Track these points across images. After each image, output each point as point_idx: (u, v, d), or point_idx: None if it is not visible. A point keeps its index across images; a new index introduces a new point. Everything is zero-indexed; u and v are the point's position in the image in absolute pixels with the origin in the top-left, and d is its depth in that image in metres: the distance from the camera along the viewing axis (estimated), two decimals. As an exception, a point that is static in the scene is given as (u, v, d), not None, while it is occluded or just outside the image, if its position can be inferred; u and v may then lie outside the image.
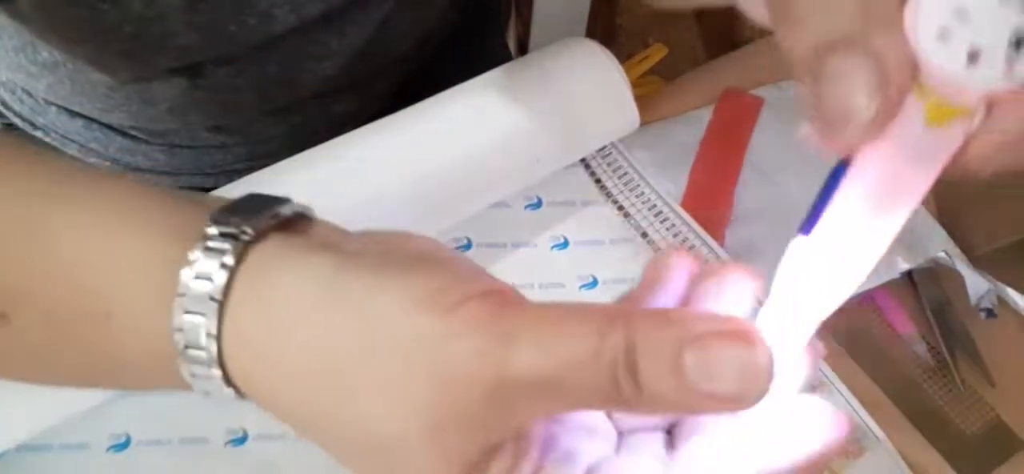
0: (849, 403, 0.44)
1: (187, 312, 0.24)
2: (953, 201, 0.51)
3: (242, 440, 0.41)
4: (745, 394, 0.21)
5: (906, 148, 0.21)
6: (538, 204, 0.51)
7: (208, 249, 0.24)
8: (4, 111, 0.56)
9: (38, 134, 0.56)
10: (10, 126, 0.57)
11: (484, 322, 0.22)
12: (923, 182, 0.22)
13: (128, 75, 0.45)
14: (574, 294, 0.48)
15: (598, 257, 0.49)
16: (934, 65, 0.20)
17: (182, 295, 0.24)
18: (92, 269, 0.26)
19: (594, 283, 0.48)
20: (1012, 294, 0.48)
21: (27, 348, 0.27)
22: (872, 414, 0.43)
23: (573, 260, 0.49)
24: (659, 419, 0.27)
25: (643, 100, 0.52)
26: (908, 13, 0.20)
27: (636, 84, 0.53)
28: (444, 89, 0.50)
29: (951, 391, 0.45)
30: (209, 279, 0.24)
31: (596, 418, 0.26)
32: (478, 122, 0.48)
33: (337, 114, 0.56)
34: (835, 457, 0.24)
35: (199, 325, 0.24)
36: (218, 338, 0.24)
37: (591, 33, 0.68)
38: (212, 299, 0.24)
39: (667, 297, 0.26)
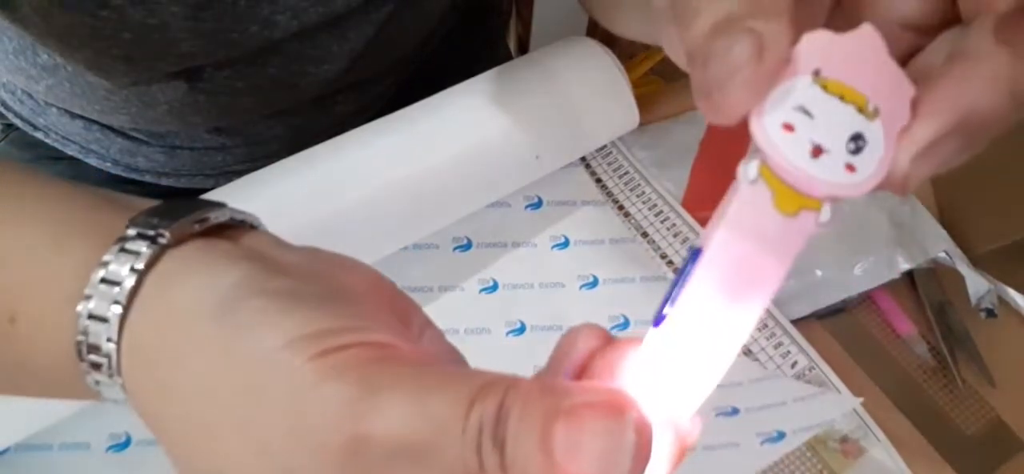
0: (844, 395, 0.44)
1: (91, 315, 0.23)
2: (953, 201, 0.51)
3: (242, 440, 0.41)
4: (612, 472, 0.19)
5: (756, 235, 0.21)
6: (538, 204, 0.51)
7: (123, 251, 0.23)
8: (5, 112, 0.56)
9: (38, 135, 0.56)
10: (11, 127, 0.57)
11: (353, 370, 0.20)
12: (776, 270, 0.22)
13: (127, 79, 0.45)
14: (574, 294, 0.48)
15: (598, 257, 0.49)
16: (777, 150, 0.21)
17: (88, 297, 0.23)
18: (6, 273, 0.25)
19: (594, 283, 0.48)
20: (1012, 294, 0.48)
21: None
22: (872, 414, 0.43)
23: (573, 259, 0.49)
24: None
25: (643, 100, 0.52)
26: (756, 110, 0.21)
27: (636, 84, 0.53)
28: (444, 89, 0.50)
29: (951, 391, 0.45)
30: (117, 283, 0.23)
31: None
32: (478, 121, 0.48)
33: (337, 115, 0.56)
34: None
35: (101, 331, 0.23)
36: (118, 345, 0.23)
37: (592, 33, 0.68)
38: (116, 302, 0.23)
39: (570, 370, 0.23)
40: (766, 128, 0.21)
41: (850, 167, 0.21)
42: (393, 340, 0.22)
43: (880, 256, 0.48)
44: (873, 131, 0.21)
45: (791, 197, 0.21)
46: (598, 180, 0.53)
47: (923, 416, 0.44)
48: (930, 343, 0.47)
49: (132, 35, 0.41)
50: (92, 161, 0.56)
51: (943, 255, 0.49)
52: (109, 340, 0.23)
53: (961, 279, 0.48)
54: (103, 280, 0.23)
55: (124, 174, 0.57)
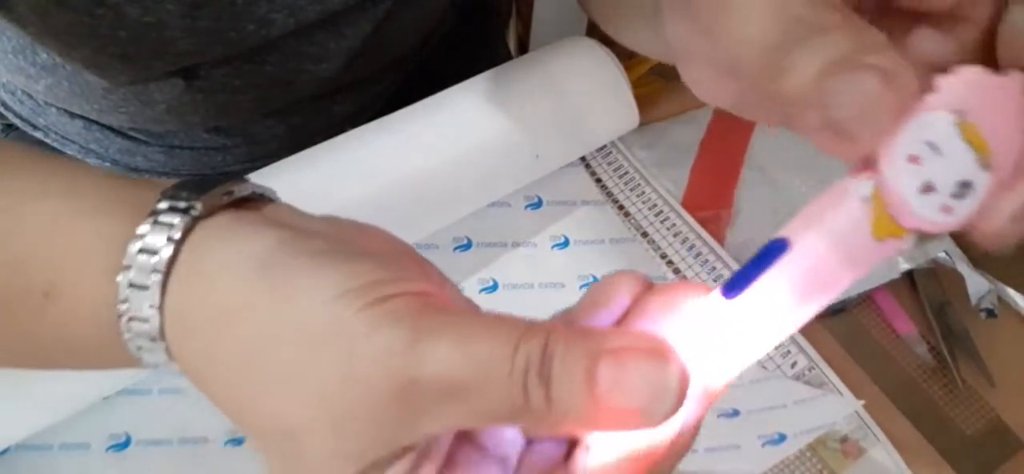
0: (846, 398, 0.44)
1: (132, 285, 0.24)
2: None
3: (242, 440, 0.41)
4: (653, 411, 0.21)
5: (845, 249, 0.22)
6: (539, 203, 0.51)
7: (156, 223, 0.24)
8: (4, 112, 0.56)
9: (38, 135, 0.56)
10: (10, 127, 0.57)
11: (403, 319, 0.22)
12: (846, 282, 0.22)
13: (125, 78, 0.45)
14: (575, 294, 0.47)
15: (598, 256, 0.49)
16: (897, 183, 0.21)
17: (127, 268, 0.24)
18: (30, 247, 0.26)
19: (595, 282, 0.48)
20: (1012, 294, 0.48)
21: None
22: (872, 414, 0.43)
23: (573, 259, 0.49)
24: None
25: (643, 100, 0.52)
26: (892, 135, 0.22)
27: (636, 84, 0.53)
28: (444, 89, 0.50)
29: (951, 391, 0.45)
30: (154, 252, 0.24)
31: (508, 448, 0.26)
32: (478, 120, 0.48)
33: (336, 115, 0.56)
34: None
35: (143, 297, 0.24)
36: (161, 310, 0.24)
37: (591, 33, 0.68)
38: (156, 271, 0.24)
39: (606, 317, 0.25)
40: (895, 157, 0.21)
41: (946, 209, 0.22)
42: (433, 289, 0.23)
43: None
44: (981, 181, 0.22)
45: (888, 225, 0.22)
46: (598, 180, 0.53)
47: (923, 416, 0.44)
48: (930, 343, 0.47)
49: (129, 33, 0.41)
50: (91, 161, 0.56)
51: (943, 255, 0.49)
52: (151, 306, 0.24)
53: (961, 279, 0.48)
54: (141, 250, 0.24)
55: (123, 174, 0.57)
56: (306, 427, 0.22)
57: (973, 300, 0.48)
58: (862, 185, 0.22)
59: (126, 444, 0.41)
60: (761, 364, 0.45)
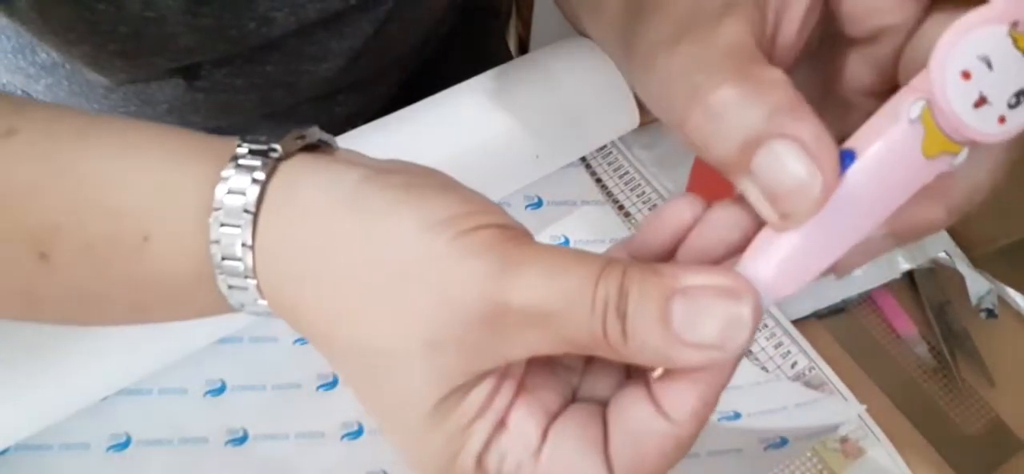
0: (845, 398, 0.44)
1: (223, 225, 0.25)
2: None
3: (242, 440, 0.41)
4: (727, 345, 0.22)
5: (896, 166, 0.23)
6: (539, 203, 0.51)
7: (240, 166, 0.25)
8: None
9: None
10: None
11: (492, 248, 0.23)
12: (900, 198, 0.23)
13: (125, 76, 0.45)
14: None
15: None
16: (948, 99, 0.22)
17: (217, 209, 0.25)
18: (127, 196, 0.27)
19: (594, 283, 0.48)
20: (1012, 294, 0.48)
21: (71, 286, 0.28)
22: (872, 414, 0.43)
23: (573, 260, 0.49)
24: None
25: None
26: (941, 46, 0.22)
27: (636, 84, 0.53)
28: (444, 89, 0.50)
29: (951, 391, 0.45)
30: (242, 193, 0.25)
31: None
32: (478, 120, 0.48)
33: (337, 116, 0.56)
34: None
35: (235, 237, 0.25)
36: (252, 249, 0.25)
37: (591, 33, 0.68)
38: (246, 211, 0.25)
39: (666, 242, 0.26)
40: (946, 74, 0.22)
41: (1002, 119, 0.22)
42: (511, 223, 0.25)
43: (880, 256, 0.48)
44: None
45: (939, 141, 0.22)
46: (598, 180, 0.53)
47: (923, 416, 0.44)
48: (930, 343, 0.47)
49: (129, 29, 0.41)
50: (92, 161, 0.56)
51: (943, 255, 0.49)
52: (244, 245, 0.25)
53: (961, 279, 0.48)
54: (229, 191, 0.25)
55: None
56: (399, 348, 0.23)
57: (973, 300, 0.48)
58: (913, 107, 0.22)
59: (126, 444, 0.41)
60: (762, 365, 0.45)
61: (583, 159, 0.53)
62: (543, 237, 0.50)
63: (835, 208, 0.23)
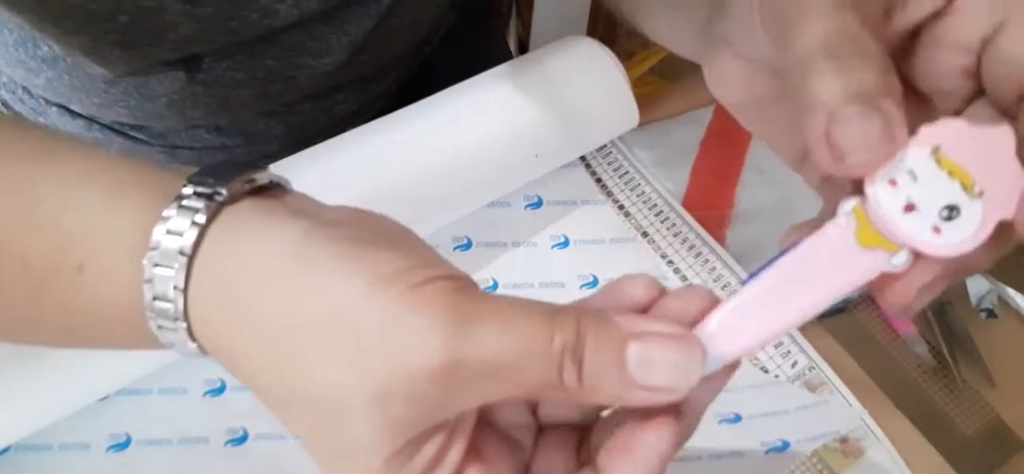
0: (849, 403, 0.44)
1: (157, 265, 0.25)
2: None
3: (242, 440, 0.41)
4: (677, 388, 0.24)
5: (834, 253, 0.26)
6: (538, 203, 0.51)
7: (182, 207, 0.25)
8: (4, 111, 0.56)
9: (38, 134, 0.56)
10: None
11: (444, 302, 0.23)
12: (838, 285, 0.26)
13: (125, 67, 0.45)
14: (575, 293, 0.47)
15: (599, 256, 0.49)
16: (876, 198, 0.25)
17: (153, 249, 0.25)
18: (69, 223, 0.26)
19: (595, 282, 0.48)
20: (1012, 294, 0.48)
21: (9, 303, 0.28)
22: (872, 414, 0.43)
23: (573, 259, 0.49)
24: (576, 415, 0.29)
25: (643, 100, 0.52)
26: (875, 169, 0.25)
27: (636, 84, 0.53)
28: (444, 89, 0.50)
29: (951, 391, 0.45)
30: (180, 235, 0.25)
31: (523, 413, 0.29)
32: (478, 119, 0.48)
33: (337, 114, 0.56)
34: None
35: (168, 278, 0.25)
36: (185, 292, 0.25)
37: (591, 33, 0.68)
38: (181, 253, 0.25)
39: (623, 306, 0.27)
40: (876, 180, 0.25)
41: (936, 229, 0.25)
42: (459, 275, 0.25)
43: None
44: (972, 208, 0.25)
45: (871, 235, 0.25)
46: (598, 179, 0.53)
47: (923, 416, 0.44)
48: (930, 343, 0.47)
49: (128, 18, 0.41)
50: (92, 161, 0.56)
51: (943, 255, 0.49)
52: (176, 287, 0.25)
53: (961, 279, 0.48)
54: (167, 232, 0.25)
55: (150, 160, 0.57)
56: (347, 400, 0.23)
57: (973, 300, 0.48)
58: (847, 202, 0.26)
59: (126, 444, 0.41)
60: (762, 367, 0.45)
61: (583, 159, 0.53)
62: (543, 236, 0.50)
63: (774, 288, 0.26)
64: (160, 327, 0.25)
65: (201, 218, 0.25)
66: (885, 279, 0.26)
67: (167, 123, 0.52)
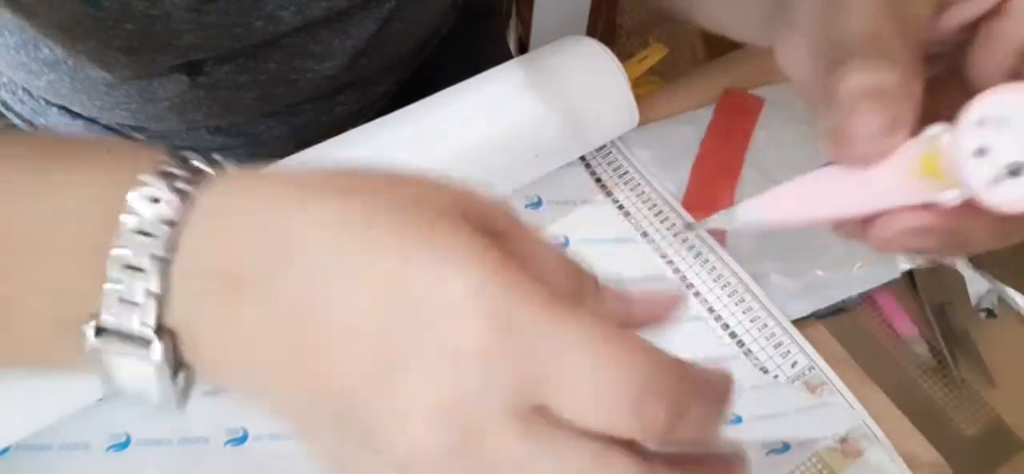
0: (849, 403, 0.44)
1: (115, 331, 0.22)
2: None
3: (242, 440, 0.41)
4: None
5: (894, 165, 0.26)
6: (538, 203, 0.51)
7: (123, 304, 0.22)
8: (5, 112, 0.56)
9: (38, 134, 0.56)
10: (11, 127, 0.57)
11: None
12: (881, 197, 0.27)
13: (130, 72, 0.45)
14: (574, 294, 0.48)
15: (598, 256, 0.49)
16: (955, 134, 0.25)
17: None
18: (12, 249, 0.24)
19: (594, 283, 0.48)
20: (1012, 294, 0.48)
21: None
22: (872, 414, 0.43)
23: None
24: None
25: (643, 100, 0.52)
26: (984, 92, 0.25)
27: (636, 84, 0.53)
28: (444, 89, 0.50)
29: (951, 391, 0.45)
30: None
31: None
32: (478, 120, 0.48)
33: (338, 115, 0.56)
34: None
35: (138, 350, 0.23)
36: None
37: (591, 33, 0.68)
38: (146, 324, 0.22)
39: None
40: (969, 114, 0.25)
41: (996, 181, 0.24)
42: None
43: (880, 256, 0.48)
44: None
45: (934, 164, 0.26)
46: (598, 179, 0.53)
47: (923, 416, 0.44)
48: (930, 343, 0.47)
49: (135, 26, 0.41)
50: (92, 161, 0.56)
51: (943, 255, 0.49)
52: (144, 324, 0.22)
53: (961, 279, 0.48)
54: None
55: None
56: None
57: (973, 300, 0.48)
58: (933, 127, 0.26)
59: (126, 444, 0.41)
60: (761, 367, 0.45)
61: (583, 159, 0.53)
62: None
63: (833, 176, 0.27)
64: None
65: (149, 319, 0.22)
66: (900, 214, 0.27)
67: (168, 125, 0.52)
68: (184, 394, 0.24)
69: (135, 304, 0.22)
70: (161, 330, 0.22)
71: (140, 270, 0.22)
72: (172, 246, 0.22)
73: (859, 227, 0.28)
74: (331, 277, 0.22)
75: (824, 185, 0.28)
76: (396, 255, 0.21)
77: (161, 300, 0.22)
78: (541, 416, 0.21)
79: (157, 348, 0.22)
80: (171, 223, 0.22)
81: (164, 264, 0.22)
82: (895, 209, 0.27)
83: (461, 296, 0.21)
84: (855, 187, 0.27)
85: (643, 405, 0.21)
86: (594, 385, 0.21)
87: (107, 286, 0.22)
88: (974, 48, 0.28)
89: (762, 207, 0.28)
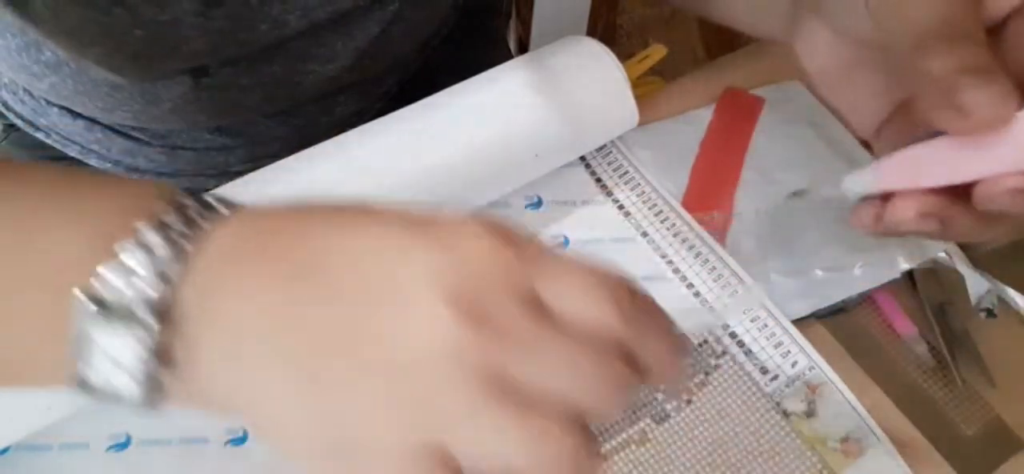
0: (849, 403, 0.44)
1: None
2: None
3: (242, 440, 0.41)
4: None
5: (1014, 133, 0.28)
6: (538, 203, 0.51)
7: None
8: (5, 112, 0.56)
9: (40, 136, 0.56)
10: (11, 127, 0.57)
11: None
12: (996, 162, 0.29)
13: (136, 77, 0.45)
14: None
15: (598, 256, 0.49)
16: None
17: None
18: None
19: (594, 283, 0.48)
20: (1012, 294, 0.48)
21: None
22: (872, 414, 0.43)
23: (573, 260, 0.49)
24: None
25: (643, 100, 0.52)
26: None
27: (636, 84, 0.53)
28: (444, 89, 0.50)
29: (951, 391, 0.45)
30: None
31: None
32: (478, 119, 0.48)
33: (338, 115, 0.56)
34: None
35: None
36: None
37: (591, 33, 0.68)
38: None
39: None
40: None
41: None
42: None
43: (880, 256, 0.48)
44: None
45: None
46: (598, 179, 0.53)
47: (923, 416, 0.44)
48: (930, 343, 0.47)
49: (144, 32, 0.41)
50: (93, 162, 0.56)
51: (943, 255, 0.49)
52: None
53: (961, 279, 0.48)
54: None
55: (125, 174, 0.57)
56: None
57: (973, 300, 0.48)
58: None
59: (126, 444, 0.41)
60: (762, 365, 0.45)
61: (583, 159, 0.54)
62: (543, 237, 0.50)
63: (953, 142, 0.29)
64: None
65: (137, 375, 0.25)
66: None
67: (169, 125, 0.52)
68: (159, 391, 0.26)
69: (138, 274, 0.24)
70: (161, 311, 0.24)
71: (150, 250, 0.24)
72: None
73: (946, 202, 0.30)
74: (334, 238, 0.26)
75: (937, 153, 0.30)
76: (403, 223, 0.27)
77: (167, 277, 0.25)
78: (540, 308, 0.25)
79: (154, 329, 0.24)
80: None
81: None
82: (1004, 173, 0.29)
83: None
84: (970, 154, 0.29)
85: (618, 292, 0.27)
86: (582, 277, 0.27)
87: (101, 268, 0.24)
88: (1004, 42, 0.30)
89: (878, 175, 0.31)
